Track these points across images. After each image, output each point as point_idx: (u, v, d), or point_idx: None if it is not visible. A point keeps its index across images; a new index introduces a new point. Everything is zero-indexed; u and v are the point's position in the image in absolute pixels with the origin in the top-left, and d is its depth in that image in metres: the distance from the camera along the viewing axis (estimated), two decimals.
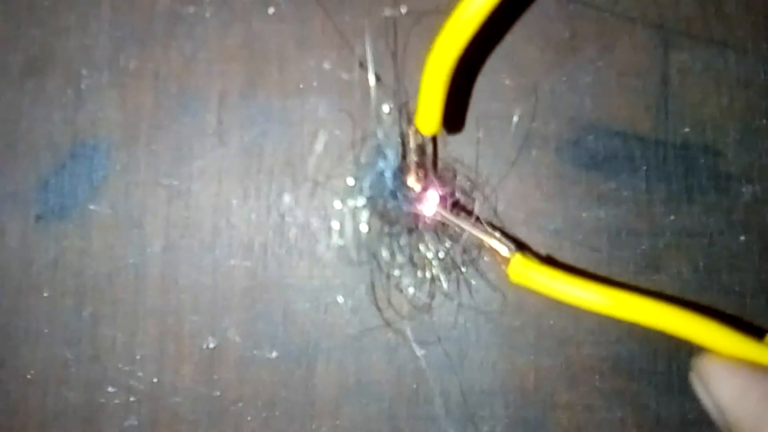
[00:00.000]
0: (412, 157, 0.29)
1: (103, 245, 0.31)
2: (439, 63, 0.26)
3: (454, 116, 0.31)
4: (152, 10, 0.32)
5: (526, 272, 0.27)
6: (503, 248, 0.28)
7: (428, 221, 0.30)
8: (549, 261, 0.30)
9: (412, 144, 0.29)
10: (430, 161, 0.30)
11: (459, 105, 0.31)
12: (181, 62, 0.32)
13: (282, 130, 0.31)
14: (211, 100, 0.31)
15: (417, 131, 0.28)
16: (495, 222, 0.31)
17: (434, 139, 0.30)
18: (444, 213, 0.29)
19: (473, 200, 0.30)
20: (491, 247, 0.28)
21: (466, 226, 0.29)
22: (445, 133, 0.31)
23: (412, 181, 0.29)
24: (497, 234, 0.28)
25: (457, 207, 0.30)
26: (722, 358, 0.25)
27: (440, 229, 0.30)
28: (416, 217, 0.30)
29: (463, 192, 0.31)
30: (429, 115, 0.27)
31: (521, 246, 0.30)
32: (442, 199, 0.30)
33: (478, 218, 0.30)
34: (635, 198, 0.31)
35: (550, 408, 0.30)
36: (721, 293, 0.30)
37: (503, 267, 0.28)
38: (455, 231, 0.29)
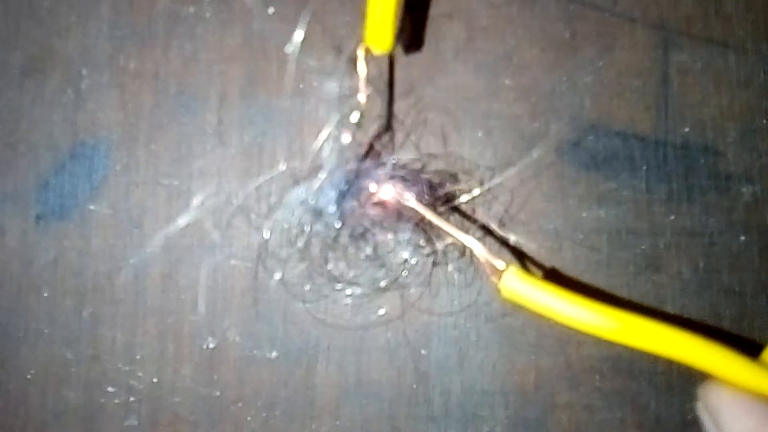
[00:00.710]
0: (364, 82, 0.27)
1: (103, 245, 0.31)
2: None
3: (410, 34, 0.30)
4: (152, 10, 0.32)
5: (521, 290, 0.24)
6: (498, 261, 0.25)
7: (427, 221, 0.29)
8: (552, 275, 0.30)
9: (361, 66, 0.26)
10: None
11: (415, 23, 0.30)
12: (181, 62, 0.32)
13: (282, 130, 0.31)
14: (211, 100, 0.31)
15: (368, 49, 0.26)
16: (496, 224, 0.31)
17: (390, 60, 0.28)
18: (425, 213, 0.27)
19: (468, 200, 0.30)
20: (483, 257, 0.25)
21: (452, 231, 0.26)
22: (402, 53, 0.30)
23: (362, 97, 0.27)
24: (483, 244, 0.26)
25: (448, 207, 0.30)
26: (732, 391, 0.24)
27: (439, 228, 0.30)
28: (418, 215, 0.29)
29: (453, 190, 0.31)
30: (380, 30, 0.24)
31: (520, 255, 0.30)
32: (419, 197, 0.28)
33: (462, 213, 0.29)
34: (635, 198, 0.31)
35: (550, 408, 0.30)
36: (721, 293, 0.30)
37: (494, 280, 0.25)
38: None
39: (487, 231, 0.30)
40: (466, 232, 0.30)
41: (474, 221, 0.30)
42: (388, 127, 0.30)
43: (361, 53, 0.26)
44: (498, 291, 0.26)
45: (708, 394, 0.25)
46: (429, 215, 0.27)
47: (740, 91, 0.31)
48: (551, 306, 0.24)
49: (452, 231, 0.26)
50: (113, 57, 0.32)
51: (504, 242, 0.30)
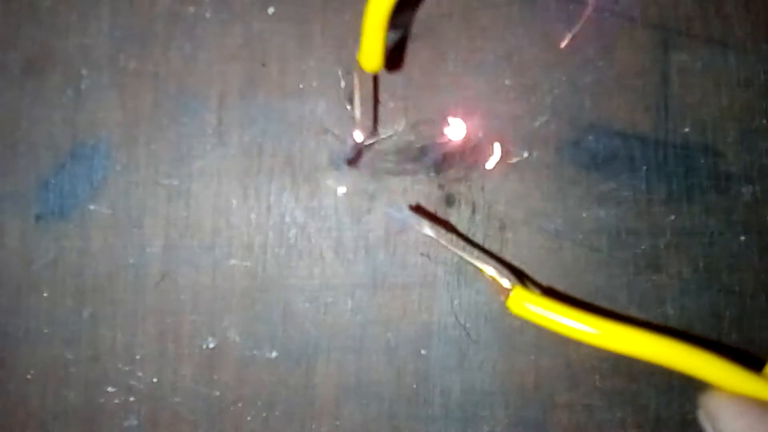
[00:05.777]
0: (357, 101, 0.30)
1: (103, 245, 0.31)
2: (381, 4, 0.27)
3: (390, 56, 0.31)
4: (152, 10, 0.32)
5: (526, 305, 0.28)
6: (504, 280, 0.29)
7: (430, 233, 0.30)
8: (549, 292, 0.30)
9: (357, 85, 0.30)
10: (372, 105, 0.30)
11: (395, 45, 0.31)
12: (181, 62, 0.32)
13: (282, 130, 0.31)
14: (211, 100, 0.31)
15: (361, 70, 0.29)
16: (496, 224, 0.31)
17: (375, 79, 0.31)
18: (446, 243, 0.29)
19: (476, 226, 0.31)
20: (491, 277, 0.29)
21: (466, 256, 0.29)
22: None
23: (358, 134, 0.30)
24: (496, 264, 0.29)
25: (457, 235, 0.30)
26: (729, 396, 0.26)
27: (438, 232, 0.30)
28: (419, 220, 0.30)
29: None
30: (372, 53, 0.28)
31: (521, 276, 0.30)
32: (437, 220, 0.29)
33: (481, 248, 0.30)
34: (635, 198, 0.31)
35: (550, 408, 0.30)
36: (721, 293, 0.30)
37: (502, 297, 0.28)
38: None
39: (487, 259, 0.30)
40: (468, 232, 0.30)
41: (463, 243, 0.30)
42: (374, 130, 0.31)
43: (356, 75, 0.29)
44: (506, 308, 0.28)
45: (708, 400, 0.26)
46: (440, 238, 0.29)
47: (740, 91, 0.31)
48: (551, 318, 0.28)
49: (464, 255, 0.29)
50: (113, 57, 0.32)
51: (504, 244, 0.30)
